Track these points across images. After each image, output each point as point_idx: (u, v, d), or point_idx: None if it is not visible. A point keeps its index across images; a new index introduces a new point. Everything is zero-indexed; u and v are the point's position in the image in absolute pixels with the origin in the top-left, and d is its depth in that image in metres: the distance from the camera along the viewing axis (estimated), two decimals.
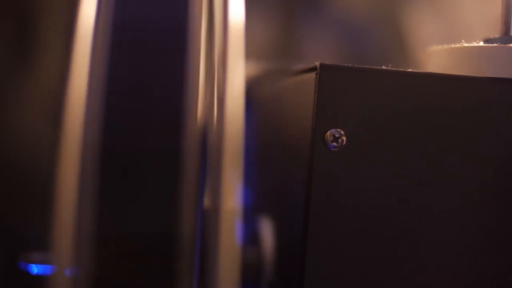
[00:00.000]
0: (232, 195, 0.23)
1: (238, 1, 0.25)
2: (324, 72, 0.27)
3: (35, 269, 0.29)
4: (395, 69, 0.28)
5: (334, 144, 0.27)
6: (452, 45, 0.31)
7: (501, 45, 0.29)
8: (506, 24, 0.31)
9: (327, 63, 0.28)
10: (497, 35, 0.31)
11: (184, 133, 0.25)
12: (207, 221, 0.24)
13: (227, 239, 0.23)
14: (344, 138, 0.28)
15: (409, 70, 0.28)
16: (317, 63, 0.28)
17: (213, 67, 0.26)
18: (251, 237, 0.34)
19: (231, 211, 0.23)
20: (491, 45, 0.30)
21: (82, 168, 0.23)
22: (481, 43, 0.30)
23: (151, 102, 0.25)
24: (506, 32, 0.31)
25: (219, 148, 0.24)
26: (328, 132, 0.27)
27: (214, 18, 0.26)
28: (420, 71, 0.29)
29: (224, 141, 0.24)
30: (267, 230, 0.33)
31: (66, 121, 0.23)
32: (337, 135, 0.27)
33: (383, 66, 0.28)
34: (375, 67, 0.28)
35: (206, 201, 0.26)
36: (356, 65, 0.28)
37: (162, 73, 0.25)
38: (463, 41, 0.30)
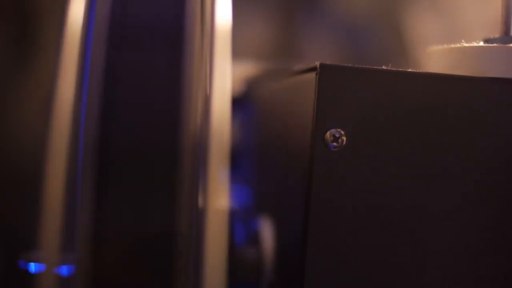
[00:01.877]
0: (218, 194, 0.23)
1: (225, 1, 0.25)
2: (324, 72, 0.27)
3: (34, 268, 0.29)
4: (395, 69, 0.28)
5: (334, 144, 0.27)
6: (452, 45, 0.31)
7: (501, 45, 0.29)
8: (506, 24, 0.31)
9: (327, 63, 0.28)
10: (497, 35, 0.31)
11: (181, 133, 0.25)
12: (197, 221, 0.24)
13: (213, 238, 0.23)
14: (344, 138, 0.27)
15: (409, 70, 0.28)
16: (317, 63, 0.28)
17: (204, 67, 0.26)
18: (251, 237, 0.34)
19: (217, 210, 0.23)
20: (491, 45, 0.30)
21: (73, 167, 0.23)
22: (481, 43, 0.30)
23: (148, 101, 0.25)
24: (506, 32, 0.31)
25: (205, 148, 0.24)
26: (328, 132, 0.27)
27: (205, 18, 0.26)
28: (420, 71, 0.29)
29: (210, 140, 0.24)
30: (267, 230, 0.33)
31: (55, 120, 0.23)
32: (337, 135, 0.27)
33: (383, 66, 0.28)
34: (375, 67, 0.28)
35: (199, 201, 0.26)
36: (356, 65, 0.28)
37: (158, 72, 0.25)
38: (463, 41, 0.30)
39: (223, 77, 0.24)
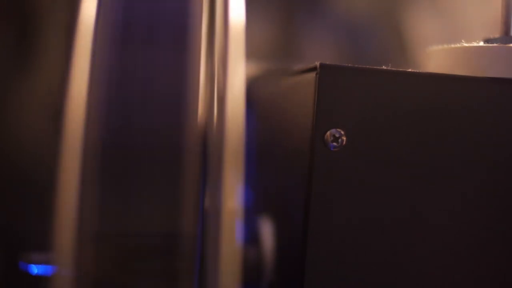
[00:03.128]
0: (232, 195, 0.23)
1: (238, 0, 0.25)
2: (324, 72, 0.27)
3: (35, 269, 0.29)
4: (395, 69, 0.28)
5: (334, 144, 0.27)
6: (452, 45, 0.31)
7: (501, 45, 0.29)
8: (506, 24, 0.31)
9: (327, 63, 0.28)
10: (497, 35, 0.31)
11: (185, 132, 0.25)
12: (208, 221, 0.24)
13: (228, 240, 0.23)
14: (344, 138, 0.27)
15: (409, 70, 0.28)
16: (317, 63, 0.28)
17: (214, 66, 0.26)
18: (251, 237, 0.34)
19: (232, 211, 0.23)
20: (491, 45, 0.30)
21: (83, 168, 0.23)
22: (481, 43, 0.30)
23: (153, 100, 0.25)
24: (506, 32, 0.31)
25: (220, 148, 0.24)
26: (328, 132, 0.27)
27: (215, 17, 0.26)
28: (420, 71, 0.29)
29: (225, 141, 0.24)
30: (267, 230, 0.33)
31: (67, 120, 0.23)
32: (337, 135, 0.27)
33: (383, 66, 0.28)
34: (375, 67, 0.28)
35: (207, 201, 0.26)
36: (356, 65, 0.28)
37: (162, 71, 0.25)
38: (463, 41, 0.30)
39: (237, 77, 0.24)
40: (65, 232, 0.23)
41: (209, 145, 0.25)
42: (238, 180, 0.24)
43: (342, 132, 0.27)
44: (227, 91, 0.24)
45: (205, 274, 0.24)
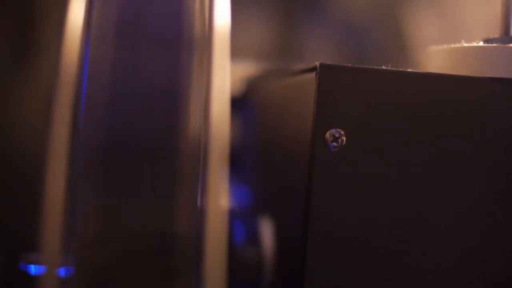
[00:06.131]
0: (218, 194, 0.23)
1: (224, 2, 0.25)
2: (324, 72, 0.27)
3: (34, 269, 0.29)
4: (395, 69, 0.28)
5: (334, 144, 0.27)
6: (452, 45, 0.31)
7: (501, 45, 0.29)
8: (506, 24, 0.31)
9: (327, 63, 0.28)
10: (497, 35, 0.31)
11: (180, 133, 0.25)
12: (196, 221, 0.24)
13: (213, 238, 0.23)
14: (344, 138, 0.27)
15: (409, 70, 0.28)
16: (317, 63, 0.28)
17: (203, 67, 0.26)
18: (251, 237, 0.34)
19: (217, 210, 0.23)
20: (491, 45, 0.30)
21: (73, 168, 0.23)
22: (481, 43, 0.30)
23: (147, 101, 0.25)
24: (506, 32, 0.31)
25: (205, 148, 0.24)
26: (328, 132, 0.27)
27: (204, 18, 0.26)
28: (420, 71, 0.29)
29: (210, 140, 0.24)
30: (267, 230, 0.33)
31: (55, 120, 0.23)
32: (337, 135, 0.27)
33: (383, 66, 0.28)
34: (375, 67, 0.28)
35: (199, 201, 0.26)
36: (356, 65, 0.28)
37: (156, 72, 0.25)
38: (463, 41, 0.30)
39: (222, 78, 0.24)
40: (52, 232, 0.23)
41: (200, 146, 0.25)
42: (223, 179, 0.24)
43: (342, 132, 0.27)
44: (212, 92, 0.24)
45: (194, 273, 0.24)
